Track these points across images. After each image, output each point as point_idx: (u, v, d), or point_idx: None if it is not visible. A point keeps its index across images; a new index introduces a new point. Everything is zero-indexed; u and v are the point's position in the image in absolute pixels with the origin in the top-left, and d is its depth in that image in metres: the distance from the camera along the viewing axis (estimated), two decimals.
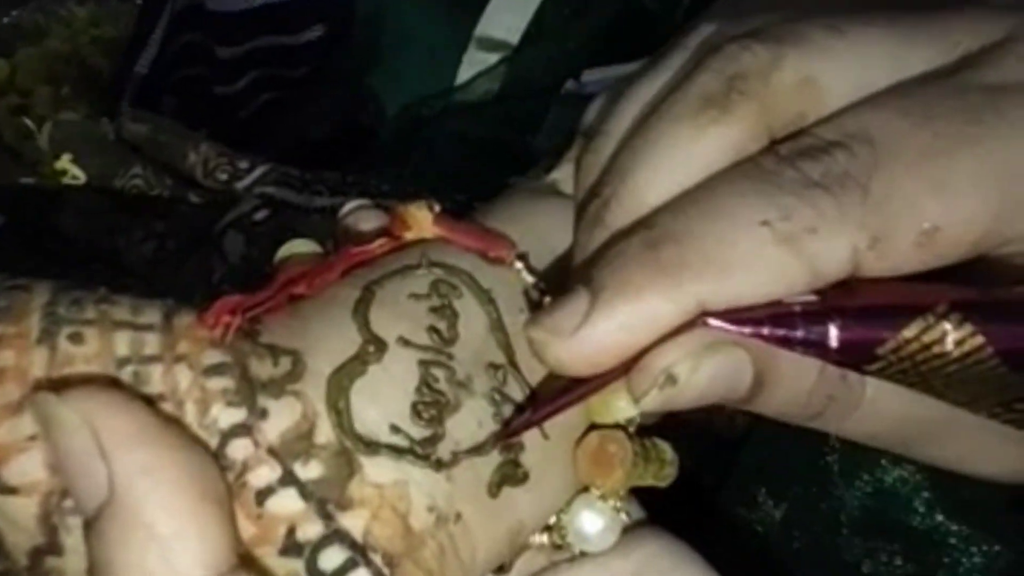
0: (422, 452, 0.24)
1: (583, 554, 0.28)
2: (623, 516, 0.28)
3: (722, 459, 0.44)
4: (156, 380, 0.23)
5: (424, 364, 0.25)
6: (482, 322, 0.27)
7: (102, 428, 0.21)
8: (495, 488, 0.26)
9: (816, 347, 0.23)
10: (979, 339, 0.22)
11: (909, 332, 0.22)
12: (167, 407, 0.23)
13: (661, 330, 0.23)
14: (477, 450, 0.25)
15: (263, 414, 0.23)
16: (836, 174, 0.23)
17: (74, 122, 0.47)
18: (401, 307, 0.26)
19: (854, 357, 0.23)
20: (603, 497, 0.27)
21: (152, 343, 0.23)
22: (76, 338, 0.23)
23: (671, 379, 0.24)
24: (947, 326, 0.22)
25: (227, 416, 0.23)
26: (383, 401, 0.24)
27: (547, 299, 0.28)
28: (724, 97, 0.24)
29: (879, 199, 0.22)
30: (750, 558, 0.42)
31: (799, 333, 0.23)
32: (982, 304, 0.23)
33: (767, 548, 0.42)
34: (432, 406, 0.25)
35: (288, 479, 0.23)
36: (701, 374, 0.23)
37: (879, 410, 0.25)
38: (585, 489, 0.28)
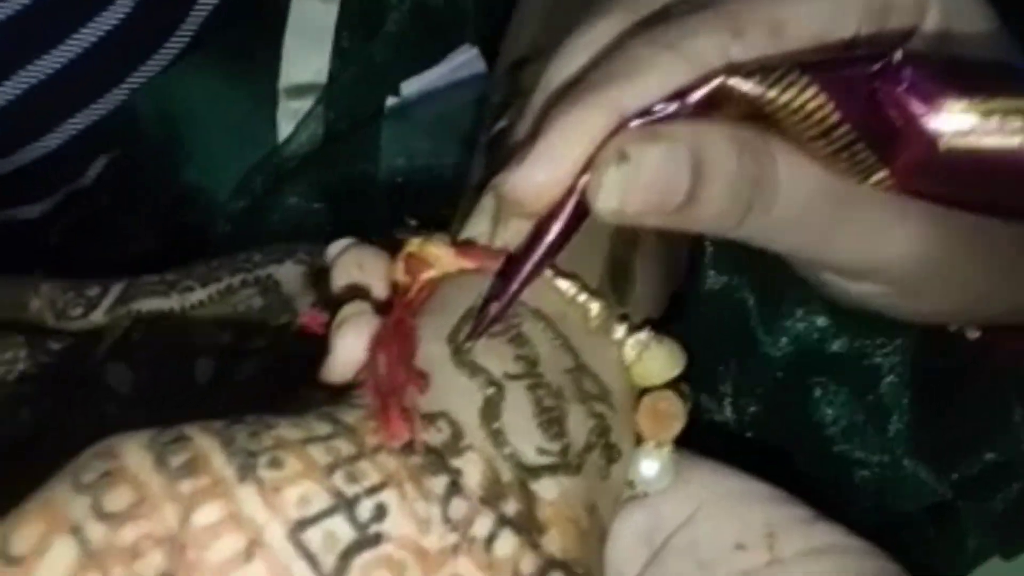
0: (563, 462, 0.28)
1: (645, 494, 0.31)
2: (676, 456, 0.31)
3: None
4: (371, 472, 0.25)
5: (531, 388, 0.28)
6: (545, 337, 0.29)
7: None
8: (606, 471, 0.29)
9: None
10: (812, 89, 0.26)
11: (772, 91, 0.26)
12: (391, 491, 0.25)
13: (595, 137, 0.26)
14: (590, 448, 0.28)
15: (459, 473, 0.26)
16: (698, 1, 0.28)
17: None
18: (489, 348, 0.28)
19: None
20: (657, 445, 0.30)
21: (346, 447, 0.25)
22: (276, 463, 0.24)
23: (623, 156, 0.26)
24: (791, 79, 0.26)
25: (438, 483, 0.25)
26: (523, 430, 0.27)
27: (581, 296, 0.30)
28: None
29: (735, 8, 0.27)
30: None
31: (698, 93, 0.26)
32: (821, 63, 0.27)
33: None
34: (553, 422, 0.28)
35: (502, 520, 0.26)
36: (650, 154, 0.26)
37: (793, 188, 0.27)
38: (638, 441, 0.31)
